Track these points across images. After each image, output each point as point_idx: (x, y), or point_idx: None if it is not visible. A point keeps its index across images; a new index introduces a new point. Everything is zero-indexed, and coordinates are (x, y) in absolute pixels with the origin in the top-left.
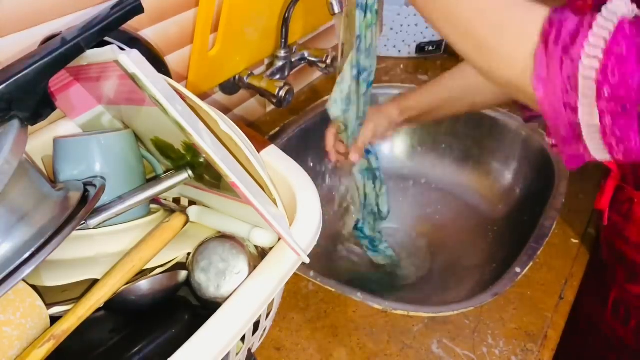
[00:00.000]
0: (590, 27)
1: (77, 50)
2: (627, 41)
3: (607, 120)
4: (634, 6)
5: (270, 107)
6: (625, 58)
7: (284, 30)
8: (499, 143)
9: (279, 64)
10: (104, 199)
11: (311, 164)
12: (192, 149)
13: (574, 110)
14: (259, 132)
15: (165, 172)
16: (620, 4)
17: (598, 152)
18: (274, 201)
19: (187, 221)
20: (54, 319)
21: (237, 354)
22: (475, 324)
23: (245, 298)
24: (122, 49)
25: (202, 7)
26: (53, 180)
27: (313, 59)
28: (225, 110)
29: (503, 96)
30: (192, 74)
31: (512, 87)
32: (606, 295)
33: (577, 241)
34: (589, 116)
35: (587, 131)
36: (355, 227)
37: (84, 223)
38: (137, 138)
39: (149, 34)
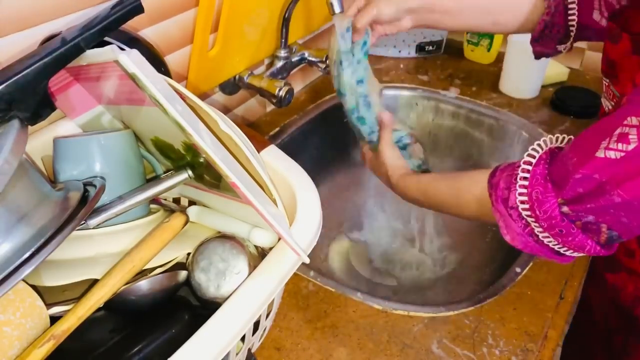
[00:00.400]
0: (515, 180)
1: (77, 50)
2: (540, 187)
3: (559, 239)
4: (553, 139)
5: (270, 107)
6: (541, 201)
7: (284, 30)
8: (499, 143)
9: (279, 64)
10: (104, 199)
11: (311, 164)
12: (192, 149)
13: (537, 238)
14: (259, 132)
15: (165, 172)
16: (533, 152)
17: (577, 255)
18: (274, 201)
19: (187, 221)
20: (54, 319)
21: (237, 354)
22: (475, 324)
23: (245, 298)
24: (122, 49)
25: (202, 7)
26: (53, 180)
27: (313, 59)
28: (225, 110)
29: (527, 25)
30: (192, 74)
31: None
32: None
33: None
34: (548, 239)
35: (557, 247)
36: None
37: (84, 223)
38: (137, 138)
39: (149, 34)
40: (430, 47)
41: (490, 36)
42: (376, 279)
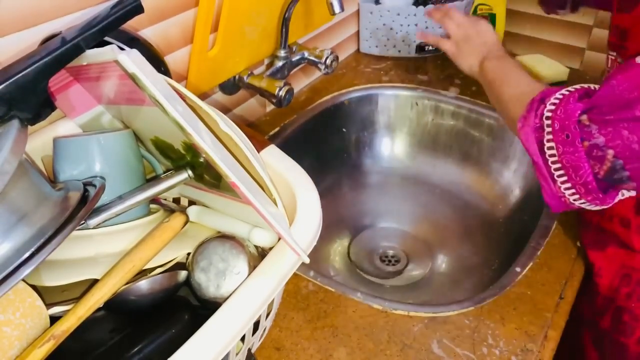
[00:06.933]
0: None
1: (77, 50)
2: (573, 95)
3: (560, 149)
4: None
5: (270, 107)
6: (568, 98)
7: (283, 30)
8: (499, 143)
9: (279, 64)
10: (104, 199)
11: (311, 164)
12: (192, 149)
13: (541, 145)
14: (259, 132)
15: (165, 172)
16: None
17: (567, 189)
18: (274, 201)
19: (187, 221)
20: (54, 319)
21: (237, 354)
22: (475, 324)
23: (245, 298)
24: (122, 48)
25: (202, 7)
26: (53, 180)
27: (313, 59)
28: (225, 110)
29: None
30: (192, 74)
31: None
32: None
33: (577, 241)
34: (549, 149)
35: (553, 166)
36: None
37: (84, 223)
38: (137, 138)
39: (149, 34)
40: (430, 47)
41: None
42: (376, 278)
